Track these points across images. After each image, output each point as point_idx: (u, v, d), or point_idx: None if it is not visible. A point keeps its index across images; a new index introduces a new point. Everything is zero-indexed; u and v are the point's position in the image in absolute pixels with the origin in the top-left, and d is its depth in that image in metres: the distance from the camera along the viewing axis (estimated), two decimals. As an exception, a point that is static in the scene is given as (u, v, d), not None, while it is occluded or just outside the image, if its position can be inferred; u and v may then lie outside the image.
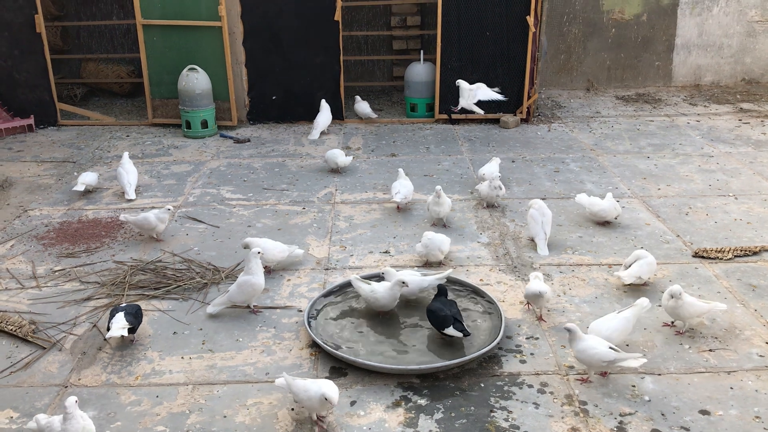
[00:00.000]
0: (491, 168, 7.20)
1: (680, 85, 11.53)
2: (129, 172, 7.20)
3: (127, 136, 9.24)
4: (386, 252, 5.92)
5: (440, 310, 4.57)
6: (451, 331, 4.49)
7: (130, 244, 6.10)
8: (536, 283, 4.80)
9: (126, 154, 7.34)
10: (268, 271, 5.44)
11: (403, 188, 6.69)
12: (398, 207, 6.79)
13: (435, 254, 5.57)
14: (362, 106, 9.64)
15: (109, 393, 4.17)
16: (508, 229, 6.35)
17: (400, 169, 7.05)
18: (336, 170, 7.79)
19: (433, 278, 5.05)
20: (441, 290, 4.81)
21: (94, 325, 4.85)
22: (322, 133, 9.05)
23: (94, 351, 4.59)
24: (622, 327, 4.42)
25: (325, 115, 9.13)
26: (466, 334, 4.50)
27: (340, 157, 7.74)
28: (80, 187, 7.06)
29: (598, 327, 4.41)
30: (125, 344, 4.64)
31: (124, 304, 4.72)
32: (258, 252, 5.05)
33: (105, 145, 8.83)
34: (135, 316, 4.58)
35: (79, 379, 4.30)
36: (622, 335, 4.41)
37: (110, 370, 4.39)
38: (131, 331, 4.54)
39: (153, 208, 6.87)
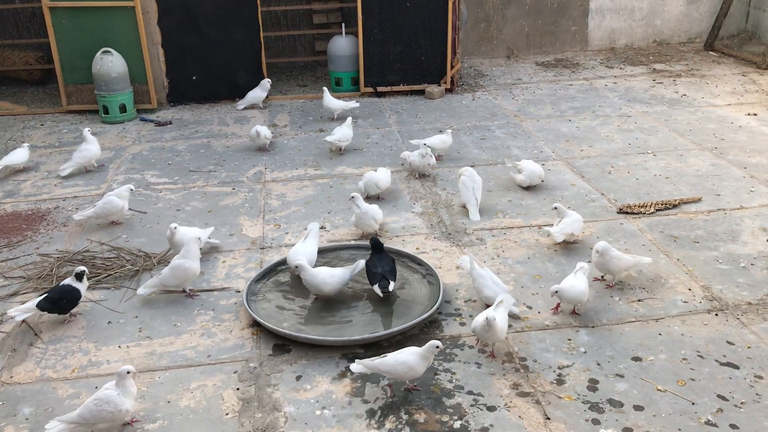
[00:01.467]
0: (437, 140, 7.24)
1: (596, 48, 11.85)
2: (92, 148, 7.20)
3: (42, 125, 8.85)
4: (322, 227, 5.90)
5: (373, 267, 4.71)
6: (376, 288, 4.63)
7: (55, 236, 5.88)
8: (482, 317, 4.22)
9: (87, 130, 7.26)
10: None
11: (339, 131, 7.43)
12: (340, 149, 7.53)
13: (370, 224, 5.60)
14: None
15: (45, 388, 4.04)
16: (440, 197, 6.43)
17: (349, 118, 7.84)
18: (263, 148, 7.68)
19: (345, 270, 4.81)
20: (375, 245, 4.85)
21: (23, 321, 4.66)
22: (248, 108, 8.95)
23: (26, 347, 4.42)
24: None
25: (259, 91, 9.09)
26: (385, 293, 4.63)
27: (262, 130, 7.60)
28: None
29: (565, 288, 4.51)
30: (62, 337, 4.49)
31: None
32: (198, 238, 4.96)
33: (18, 136, 8.44)
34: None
35: (11, 377, 4.14)
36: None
37: (44, 364, 4.25)
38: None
39: (75, 197, 6.65)
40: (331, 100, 8.52)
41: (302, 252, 4.98)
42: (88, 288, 4.85)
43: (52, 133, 8.53)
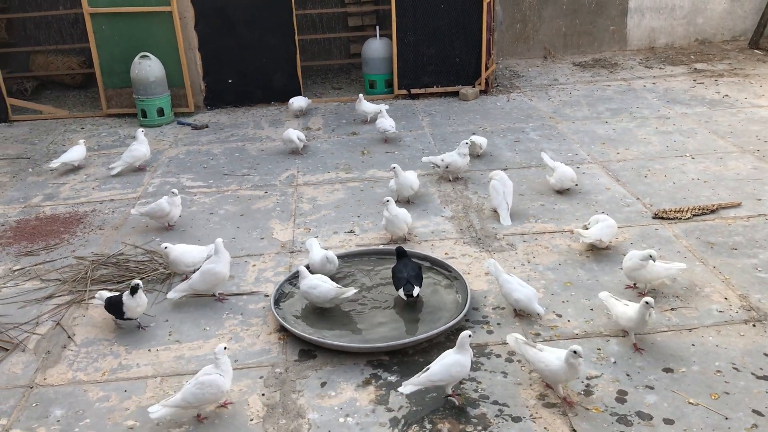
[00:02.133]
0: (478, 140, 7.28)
1: (635, 48, 11.63)
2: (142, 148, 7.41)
3: (82, 128, 9.05)
4: (351, 231, 5.91)
5: (399, 272, 4.74)
6: (400, 292, 4.64)
7: (91, 239, 6.00)
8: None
9: (141, 131, 7.50)
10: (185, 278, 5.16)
11: (387, 121, 7.90)
12: (385, 140, 8.02)
13: (401, 227, 5.58)
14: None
15: (76, 391, 4.12)
16: (471, 201, 6.38)
17: (383, 107, 8.20)
18: (296, 151, 7.73)
19: (335, 288, 4.69)
20: (399, 252, 4.89)
21: (58, 323, 4.77)
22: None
23: (59, 349, 4.52)
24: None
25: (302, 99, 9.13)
26: (409, 298, 4.62)
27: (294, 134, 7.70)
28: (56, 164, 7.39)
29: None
30: (94, 340, 4.58)
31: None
32: (221, 240, 5.01)
33: (59, 139, 8.64)
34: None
35: (44, 379, 4.23)
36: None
37: (76, 367, 4.33)
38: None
39: (112, 200, 6.78)
40: (366, 105, 8.53)
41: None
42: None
43: (92, 136, 8.71)
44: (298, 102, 9.00)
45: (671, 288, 4.85)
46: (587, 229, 5.42)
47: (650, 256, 4.62)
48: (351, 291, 4.69)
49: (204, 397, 3.74)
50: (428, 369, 3.81)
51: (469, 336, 3.83)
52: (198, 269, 4.96)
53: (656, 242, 5.47)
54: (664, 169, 6.85)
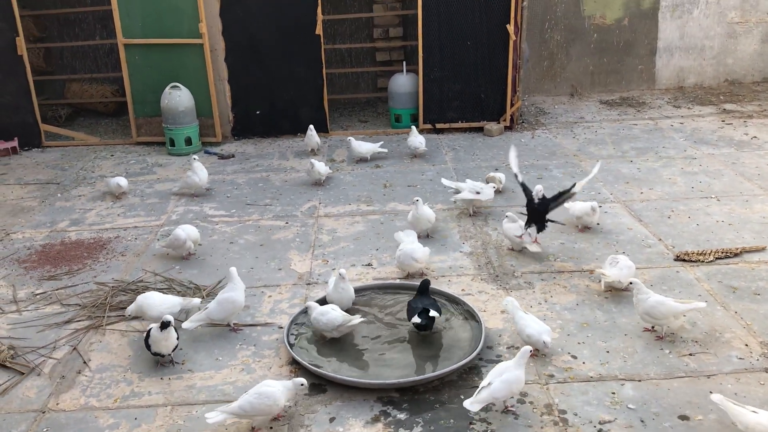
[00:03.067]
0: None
1: (664, 87, 11.58)
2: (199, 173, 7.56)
3: (112, 155, 9.24)
4: (368, 264, 5.91)
5: (413, 303, 4.78)
6: (415, 319, 4.65)
7: (112, 265, 6.09)
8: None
9: (194, 158, 7.67)
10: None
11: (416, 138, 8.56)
12: (415, 155, 8.61)
13: (410, 264, 5.56)
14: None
15: (87, 417, 4.15)
16: (490, 238, 6.35)
17: (413, 127, 8.75)
18: (319, 183, 7.79)
19: (342, 315, 4.73)
20: (422, 287, 4.91)
21: (74, 348, 4.83)
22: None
23: (74, 374, 4.56)
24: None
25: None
26: (422, 325, 4.65)
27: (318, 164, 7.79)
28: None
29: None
30: (109, 366, 4.62)
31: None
32: (235, 269, 5.04)
33: (89, 166, 8.83)
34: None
35: (57, 404, 4.27)
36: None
37: (89, 393, 4.37)
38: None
39: (136, 227, 6.88)
40: (360, 145, 8.50)
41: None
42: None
43: (120, 163, 8.88)
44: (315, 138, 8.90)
45: (690, 332, 4.75)
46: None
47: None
48: (357, 319, 4.70)
49: (259, 408, 3.86)
50: (489, 385, 3.94)
51: (530, 352, 4.04)
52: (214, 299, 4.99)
53: (677, 285, 5.38)
54: (689, 211, 6.76)
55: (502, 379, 3.95)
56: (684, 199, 7.05)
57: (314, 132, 8.85)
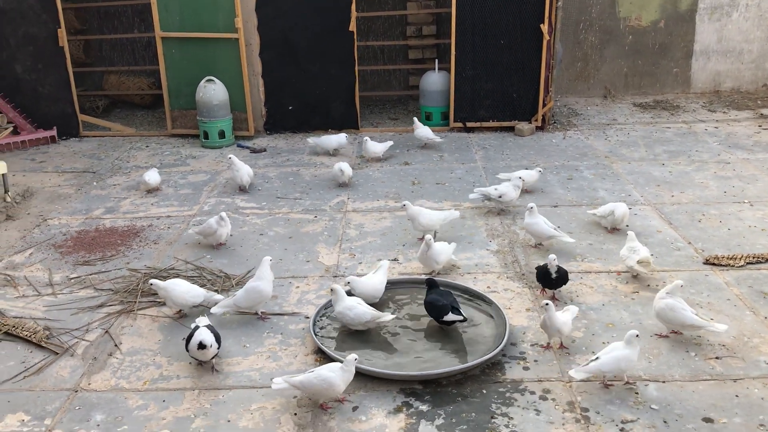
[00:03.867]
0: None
1: (699, 91, 11.43)
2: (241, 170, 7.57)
3: (147, 146, 9.42)
4: (395, 260, 5.96)
5: (437, 300, 4.77)
6: (450, 317, 4.68)
7: (145, 253, 6.22)
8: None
9: (232, 157, 7.63)
10: (181, 315, 5.16)
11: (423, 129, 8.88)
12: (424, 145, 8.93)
13: (430, 264, 5.59)
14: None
15: (117, 397, 4.26)
16: (517, 236, 6.36)
17: (415, 118, 8.99)
18: (345, 184, 7.82)
19: (370, 311, 4.78)
20: (431, 283, 4.95)
21: (106, 331, 4.96)
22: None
23: (105, 356, 4.69)
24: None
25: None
26: (464, 319, 4.71)
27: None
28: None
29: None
30: (139, 350, 4.74)
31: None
32: (269, 259, 5.12)
33: (124, 156, 9.01)
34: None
35: (89, 384, 4.39)
36: None
37: (119, 374, 4.49)
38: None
39: (168, 217, 7.01)
40: (374, 145, 8.47)
41: (366, 283, 5.10)
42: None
43: (155, 155, 9.05)
44: (333, 140, 8.85)
45: (718, 336, 4.72)
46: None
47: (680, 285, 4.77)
48: (388, 316, 4.75)
49: (317, 388, 4.01)
50: (597, 359, 4.16)
51: (636, 336, 4.18)
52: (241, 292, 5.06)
53: (705, 288, 5.34)
54: (720, 215, 6.69)
55: (612, 355, 4.15)
56: (716, 203, 6.98)
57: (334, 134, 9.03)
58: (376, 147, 8.47)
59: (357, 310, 4.72)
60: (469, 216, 6.80)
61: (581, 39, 11.13)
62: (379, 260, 5.58)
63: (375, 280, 5.14)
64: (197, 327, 4.50)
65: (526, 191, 7.26)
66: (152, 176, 7.66)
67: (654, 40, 11.15)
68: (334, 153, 8.84)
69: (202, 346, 4.34)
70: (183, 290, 5.07)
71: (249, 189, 7.64)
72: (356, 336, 4.80)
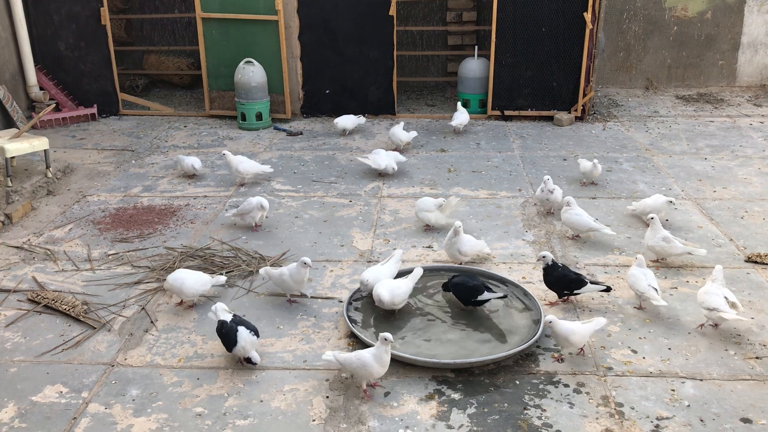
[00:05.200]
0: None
1: (745, 85, 11.15)
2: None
3: (185, 126, 9.49)
4: (429, 246, 5.94)
5: (466, 282, 4.80)
6: (486, 295, 4.71)
7: (182, 232, 6.28)
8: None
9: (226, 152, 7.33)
10: (190, 306, 5.08)
11: (460, 117, 8.82)
12: (455, 130, 8.93)
13: (454, 254, 5.53)
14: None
15: (153, 373, 4.32)
16: (554, 227, 6.28)
17: (459, 103, 9.14)
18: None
19: (406, 282, 4.89)
20: (449, 279, 4.95)
21: (143, 308, 5.02)
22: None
23: (141, 333, 4.75)
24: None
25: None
26: (504, 295, 4.80)
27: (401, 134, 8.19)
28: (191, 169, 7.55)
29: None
30: (174, 327, 4.80)
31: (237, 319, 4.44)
32: (306, 261, 4.92)
33: (163, 135, 9.09)
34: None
35: (125, 359, 4.46)
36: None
37: (155, 351, 4.54)
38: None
39: (205, 197, 7.07)
40: (401, 133, 8.25)
41: (378, 273, 5.00)
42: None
43: (193, 135, 9.12)
44: (343, 122, 8.94)
45: (758, 335, 4.62)
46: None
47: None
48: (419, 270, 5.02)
49: (354, 368, 4.05)
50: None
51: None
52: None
53: (746, 286, 5.23)
54: (763, 212, 6.53)
55: None
56: (759, 200, 6.81)
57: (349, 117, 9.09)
58: (402, 135, 8.26)
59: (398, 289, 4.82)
60: (505, 206, 6.73)
61: (624, 29, 10.92)
62: (394, 249, 5.61)
63: (386, 271, 5.05)
64: (234, 324, 4.31)
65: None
66: (195, 162, 7.49)
67: (700, 31, 10.89)
68: (346, 133, 8.96)
69: (248, 360, 4.32)
70: (192, 281, 4.96)
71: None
72: (389, 322, 4.79)
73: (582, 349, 4.43)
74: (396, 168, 7.46)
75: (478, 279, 4.92)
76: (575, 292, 4.91)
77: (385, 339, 3.99)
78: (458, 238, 5.46)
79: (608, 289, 4.91)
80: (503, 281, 5.20)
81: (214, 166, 7.95)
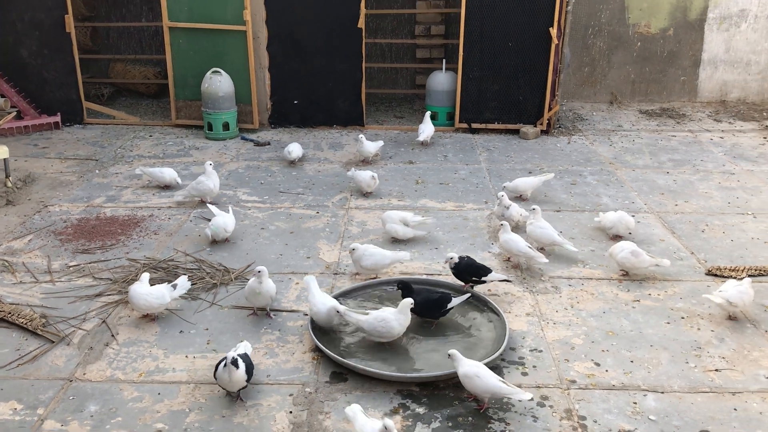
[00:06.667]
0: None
1: (706, 100, 11.39)
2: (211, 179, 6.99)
3: (150, 136, 9.38)
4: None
5: (432, 295, 4.85)
6: (454, 301, 4.81)
7: (145, 243, 6.19)
8: None
9: (209, 164, 7.00)
10: (152, 318, 4.97)
11: (427, 129, 8.86)
12: (422, 143, 8.92)
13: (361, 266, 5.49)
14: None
15: (112, 388, 4.24)
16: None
17: (427, 114, 9.11)
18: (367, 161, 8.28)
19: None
20: (406, 286, 4.84)
21: (104, 321, 4.93)
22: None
23: (101, 346, 4.66)
24: None
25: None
26: (469, 295, 5.00)
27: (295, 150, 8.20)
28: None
29: None
30: (136, 341, 4.71)
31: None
32: (260, 270, 4.85)
33: (128, 145, 8.97)
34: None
35: (84, 374, 4.37)
36: None
37: (115, 365, 4.46)
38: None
39: (170, 207, 6.98)
40: (369, 144, 8.25)
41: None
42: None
43: (158, 144, 9.01)
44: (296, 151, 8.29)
45: (718, 348, 4.69)
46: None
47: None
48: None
49: (376, 329, 4.48)
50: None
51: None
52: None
53: (707, 299, 5.30)
54: (723, 226, 6.66)
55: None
56: (719, 214, 6.94)
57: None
58: (371, 146, 8.25)
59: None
60: (472, 218, 6.77)
61: (589, 44, 11.09)
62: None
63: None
64: (234, 359, 4.01)
65: (521, 198, 7.17)
66: (169, 174, 7.38)
67: (662, 48, 11.11)
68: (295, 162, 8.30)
69: (233, 361, 3.98)
70: (144, 293, 4.82)
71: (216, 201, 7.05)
72: (355, 336, 4.77)
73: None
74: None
75: (434, 291, 4.98)
76: (482, 279, 5.19)
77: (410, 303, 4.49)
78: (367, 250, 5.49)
79: (508, 281, 5.34)
80: (462, 293, 5.21)
81: (179, 176, 7.83)
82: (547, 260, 5.70)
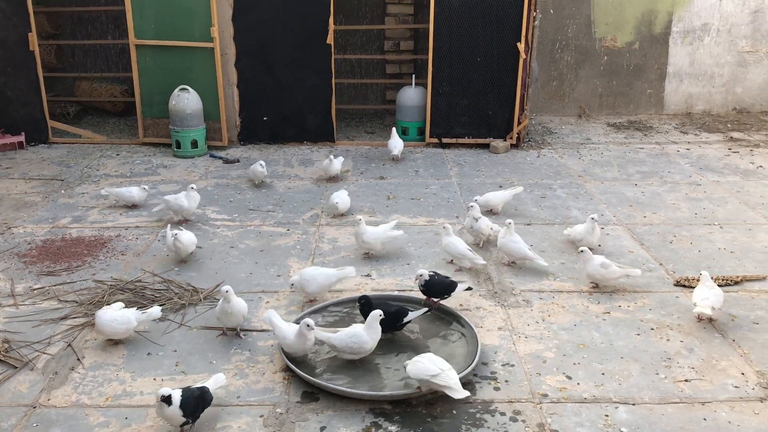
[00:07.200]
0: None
1: (672, 113, 11.58)
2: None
3: (117, 154, 9.26)
4: (368, 275, 5.90)
5: (388, 308, 4.76)
6: (411, 315, 4.80)
7: (112, 264, 6.08)
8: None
9: (192, 187, 6.93)
10: (115, 342, 4.85)
11: (399, 144, 8.94)
12: (394, 159, 9.01)
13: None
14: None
15: (78, 414, 4.13)
16: (491, 254, 6.34)
17: (394, 129, 9.16)
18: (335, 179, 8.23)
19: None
20: (366, 301, 4.82)
21: (69, 345, 4.82)
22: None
23: (67, 371, 4.55)
24: None
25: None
26: (427, 310, 5.05)
27: (259, 168, 8.03)
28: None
29: None
30: (102, 364, 4.61)
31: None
32: (227, 290, 4.80)
33: (94, 164, 8.85)
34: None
35: (48, 400, 4.26)
36: None
37: (81, 390, 4.36)
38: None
39: (137, 227, 6.88)
40: (337, 164, 8.21)
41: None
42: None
43: (126, 163, 8.90)
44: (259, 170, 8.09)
45: (687, 358, 4.73)
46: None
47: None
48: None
49: (347, 345, 4.45)
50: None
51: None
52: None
53: (675, 310, 5.36)
54: (691, 237, 6.74)
55: None
56: (687, 225, 7.03)
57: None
58: (337, 165, 8.21)
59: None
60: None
61: (557, 58, 11.23)
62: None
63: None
64: (165, 396, 3.79)
65: (492, 212, 7.19)
66: (136, 193, 7.27)
67: (629, 62, 11.29)
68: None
69: (165, 398, 3.78)
70: (108, 319, 4.73)
71: (191, 221, 7.01)
72: (325, 353, 4.72)
73: None
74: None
75: (392, 304, 4.95)
76: (452, 294, 5.17)
77: (379, 314, 4.46)
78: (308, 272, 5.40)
79: (469, 288, 5.37)
80: (441, 310, 5.19)
81: (147, 195, 7.74)
82: (484, 262, 5.92)
